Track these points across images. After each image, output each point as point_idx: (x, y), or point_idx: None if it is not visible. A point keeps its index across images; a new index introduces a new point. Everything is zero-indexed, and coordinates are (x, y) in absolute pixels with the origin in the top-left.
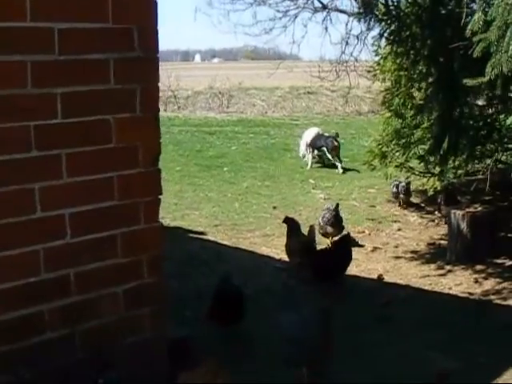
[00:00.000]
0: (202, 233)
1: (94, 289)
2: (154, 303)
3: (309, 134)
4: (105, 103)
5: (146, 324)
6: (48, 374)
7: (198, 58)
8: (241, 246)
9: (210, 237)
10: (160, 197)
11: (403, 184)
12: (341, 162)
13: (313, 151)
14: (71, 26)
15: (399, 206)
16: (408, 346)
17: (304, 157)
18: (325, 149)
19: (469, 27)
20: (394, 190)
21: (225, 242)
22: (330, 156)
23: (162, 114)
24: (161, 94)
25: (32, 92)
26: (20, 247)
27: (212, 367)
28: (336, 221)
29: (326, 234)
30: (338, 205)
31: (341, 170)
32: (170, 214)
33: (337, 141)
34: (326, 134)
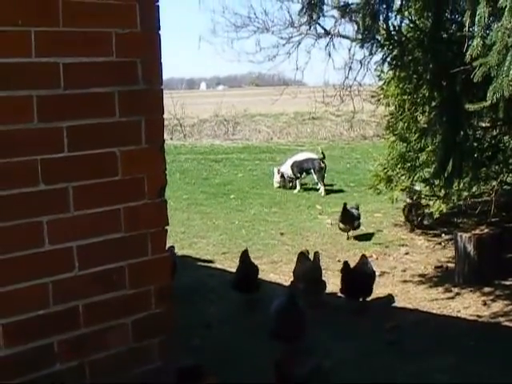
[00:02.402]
0: (209, 261)
1: (103, 320)
2: (162, 333)
3: (299, 157)
4: (110, 136)
5: (154, 354)
6: None
7: (203, 85)
8: None
9: (217, 265)
10: (167, 227)
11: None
12: (324, 184)
13: (301, 174)
14: (76, 61)
15: (412, 228)
16: (417, 369)
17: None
18: (312, 170)
19: (468, 52)
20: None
21: (232, 270)
22: (315, 177)
23: (168, 142)
24: (166, 122)
25: (38, 126)
26: (29, 280)
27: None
28: (345, 218)
29: (340, 230)
30: (345, 204)
31: (323, 193)
32: (178, 243)
33: (323, 162)
34: (314, 157)
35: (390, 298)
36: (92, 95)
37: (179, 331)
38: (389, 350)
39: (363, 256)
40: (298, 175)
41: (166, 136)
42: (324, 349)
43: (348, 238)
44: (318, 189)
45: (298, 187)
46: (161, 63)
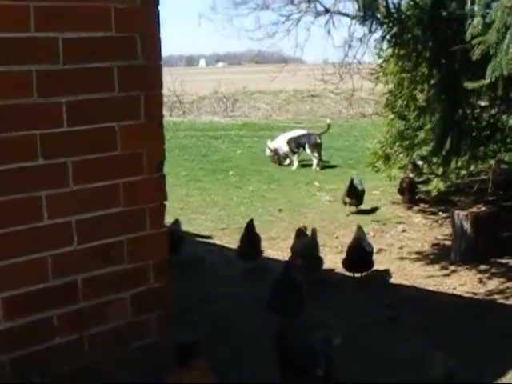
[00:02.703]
0: (208, 237)
1: (102, 294)
2: (160, 308)
3: (294, 133)
4: (109, 111)
5: (152, 328)
6: (58, 379)
7: (202, 62)
8: None
9: (216, 240)
10: (165, 202)
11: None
12: (320, 159)
13: (298, 149)
14: (75, 36)
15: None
16: (412, 346)
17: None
18: (307, 145)
19: (469, 31)
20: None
21: (231, 246)
22: (309, 152)
23: (167, 119)
24: (166, 99)
25: (38, 101)
26: (28, 254)
27: (200, 368)
28: (350, 192)
29: (345, 204)
30: (352, 178)
31: (317, 168)
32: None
33: (320, 138)
34: (311, 132)
35: (387, 274)
36: (91, 70)
37: (178, 306)
38: (387, 326)
39: (360, 228)
40: (296, 150)
41: (165, 113)
42: (322, 323)
43: (347, 215)
44: (311, 164)
45: (296, 163)
46: (160, 38)
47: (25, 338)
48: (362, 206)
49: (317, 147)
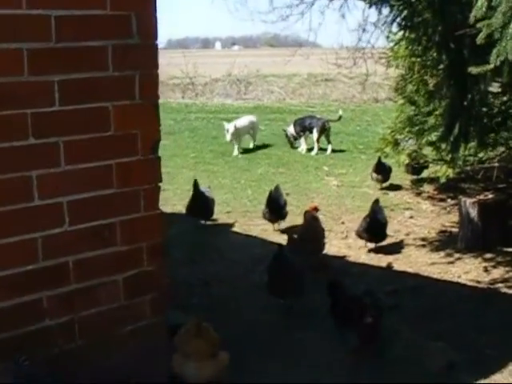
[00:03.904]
0: (213, 220)
1: (94, 277)
2: (154, 291)
3: (241, 121)
4: (103, 90)
5: (146, 311)
6: (48, 361)
7: (218, 45)
8: (252, 233)
9: (220, 223)
10: (160, 184)
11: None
12: (330, 143)
13: (303, 132)
14: (68, 13)
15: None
16: (413, 334)
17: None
18: (314, 129)
19: (472, 13)
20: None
21: (235, 229)
22: (315, 136)
23: (179, 100)
24: (179, 81)
25: (29, 80)
26: (18, 235)
27: (192, 324)
28: (378, 169)
29: (373, 181)
30: (380, 156)
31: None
32: (183, 201)
33: (328, 123)
34: (318, 116)
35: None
36: (84, 49)
37: (178, 289)
38: (388, 314)
39: (376, 202)
40: (301, 133)
41: (177, 94)
42: (323, 310)
43: (353, 197)
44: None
45: (303, 146)
46: (156, 17)
47: (13, 320)
48: (371, 192)
49: (324, 132)
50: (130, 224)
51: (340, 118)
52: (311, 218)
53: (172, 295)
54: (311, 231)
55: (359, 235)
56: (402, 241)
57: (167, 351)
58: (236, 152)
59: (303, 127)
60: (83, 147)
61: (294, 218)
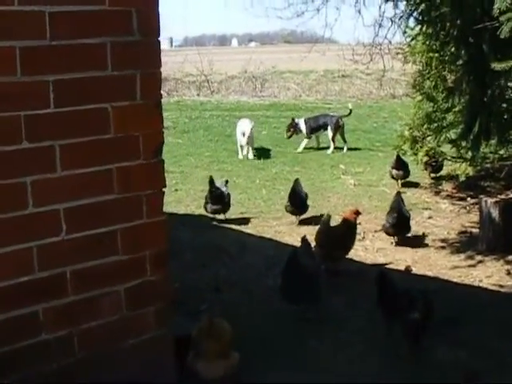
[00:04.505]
0: (226, 221)
1: (93, 288)
2: (158, 301)
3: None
4: (102, 91)
5: (150, 323)
6: (45, 376)
7: (235, 42)
8: (265, 234)
9: (233, 225)
10: (164, 189)
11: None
12: (345, 141)
13: (316, 131)
14: (63, 9)
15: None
16: (433, 342)
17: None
18: (329, 127)
19: (496, 5)
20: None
21: (249, 231)
22: (330, 135)
23: (194, 98)
24: (194, 78)
25: (22, 80)
26: (11, 245)
27: (205, 323)
28: (397, 165)
29: (393, 177)
30: (398, 153)
31: (333, 150)
32: (196, 202)
33: (341, 120)
34: (331, 114)
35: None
36: (81, 46)
37: (187, 294)
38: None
39: (398, 194)
40: (314, 132)
41: (193, 92)
42: (339, 317)
43: (370, 196)
44: (329, 147)
45: (302, 144)
46: (158, 13)
47: (7, 334)
48: (388, 191)
49: (339, 130)
50: (131, 232)
51: (351, 111)
52: (347, 226)
53: (181, 301)
54: (344, 239)
55: (387, 232)
56: (421, 242)
57: (173, 365)
58: (251, 155)
59: (317, 126)
60: (81, 151)
61: (310, 218)
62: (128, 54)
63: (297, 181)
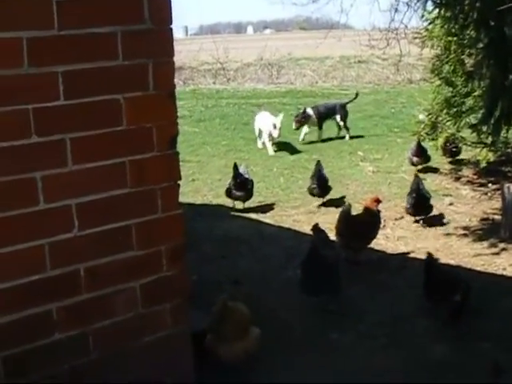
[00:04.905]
0: (244, 210)
1: (107, 285)
2: (175, 298)
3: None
4: (113, 81)
5: (166, 320)
6: (60, 376)
7: (250, 29)
8: (284, 224)
9: (252, 215)
10: (179, 182)
11: None
12: (346, 128)
13: (324, 119)
14: None
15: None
16: (457, 335)
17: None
18: (338, 117)
19: None
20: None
21: (267, 220)
22: (342, 122)
23: (210, 86)
24: (210, 66)
25: (29, 72)
26: (22, 242)
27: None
28: (418, 152)
29: (412, 164)
30: (419, 139)
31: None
32: (213, 191)
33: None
34: (334, 101)
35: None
36: (91, 36)
37: (206, 288)
38: (428, 313)
39: (417, 176)
40: (322, 119)
41: (209, 80)
42: (359, 309)
43: (389, 183)
44: (344, 136)
45: (302, 135)
46: (170, 1)
47: (20, 335)
48: (407, 177)
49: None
50: (146, 226)
51: (357, 95)
52: (369, 215)
53: (198, 294)
54: (365, 228)
55: (408, 212)
56: (442, 230)
57: (191, 363)
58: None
59: (326, 114)
60: (92, 144)
61: (329, 207)
62: (139, 42)
63: (318, 163)
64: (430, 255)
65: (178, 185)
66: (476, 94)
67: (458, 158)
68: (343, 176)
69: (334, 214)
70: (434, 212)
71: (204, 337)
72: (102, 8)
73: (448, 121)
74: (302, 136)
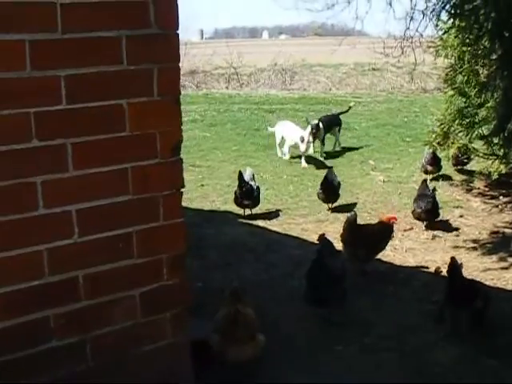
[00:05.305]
0: (252, 217)
1: (107, 292)
2: (175, 307)
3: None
4: (116, 86)
5: (166, 330)
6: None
7: (265, 34)
8: (291, 232)
9: (259, 222)
10: (182, 190)
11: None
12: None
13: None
14: (76, 0)
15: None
16: (462, 350)
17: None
18: (337, 128)
19: None
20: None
21: (275, 228)
22: (338, 135)
23: (223, 91)
24: (223, 71)
25: (32, 75)
26: (21, 248)
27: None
28: (432, 161)
29: (426, 172)
30: (434, 150)
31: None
32: (222, 197)
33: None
34: (329, 113)
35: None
36: (95, 40)
37: (210, 296)
38: (434, 327)
39: (424, 182)
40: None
41: (222, 85)
42: (364, 321)
43: (400, 193)
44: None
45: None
46: (177, 4)
47: (16, 341)
48: (417, 187)
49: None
50: (147, 234)
51: (349, 107)
52: (382, 228)
53: (203, 302)
54: (375, 240)
55: (415, 216)
56: (451, 243)
57: (190, 373)
58: (304, 163)
59: (329, 126)
60: (94, 150)
61: (337, 216)
62: (145, 47)
63: (330, 169)
64: (453, 259)
65: (181, 193)
66: (489, 105)
67: (465, 168)
68: (353, 185)
69: (343, 223)
70: (444, 224)
71: (206, 345)
72: (106, 12)
73: (460, 131)
74: (311, 149)
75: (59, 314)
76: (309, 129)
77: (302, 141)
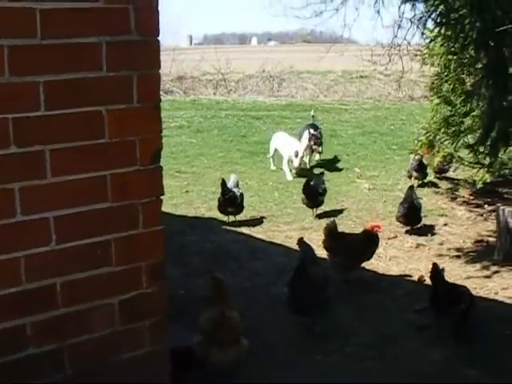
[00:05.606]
0: (236, 224)
1: (85, 300)
2: (154, 315)
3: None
4: (96, 93)
5: (145, 338)
6: None
7: (254, 41)
8: (276, 240)
9: (244, 229)
10: (162, 197)
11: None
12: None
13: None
14: (56, 6)
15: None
16: (444, 359)
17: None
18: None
19: None
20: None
21: (259, 236)
22: (320, 149)
23: (210, 97)
24: (211, 77)
25: (10, 81)
26: None
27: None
28: (419, 167)
29: (410, 177)
30: (422, 156)
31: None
32: (206, 204)
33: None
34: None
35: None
36: (74, 46)
37: (193, 302)
38: (415, 336)
39: (411, 189)
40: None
41: (209, 91)
42: (346, 330)
43: (385, 201)
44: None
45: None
46: (158, 11)
47: None
48: (403, 196)
49: None
50: (126, 242)
51: (313, 117)
52: (367, 237)
53: (184, 310)
54: (361, 249)
55: (398, 220)
56: (435, 251)
57: (169, 382)
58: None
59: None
60: (73, 156)
61: (321, 223)
62: (125, 54)
63: (318, 174)
64: (435, 264)
65: (161, 200)
66: (474, 113)
67: (446, 175)
68: (338, 193)
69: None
70: (429, 232)
71: (188, 352)
72: (87, 18)
73: (446, 140)
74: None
75: (36, 321)
76: (304, 142)
77: (296, 155)
